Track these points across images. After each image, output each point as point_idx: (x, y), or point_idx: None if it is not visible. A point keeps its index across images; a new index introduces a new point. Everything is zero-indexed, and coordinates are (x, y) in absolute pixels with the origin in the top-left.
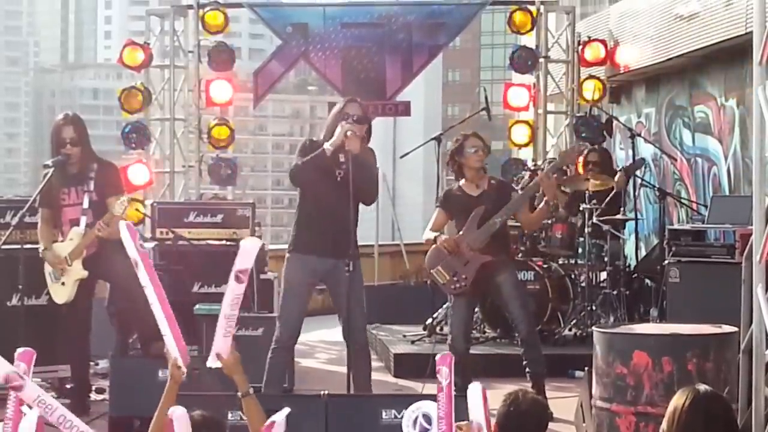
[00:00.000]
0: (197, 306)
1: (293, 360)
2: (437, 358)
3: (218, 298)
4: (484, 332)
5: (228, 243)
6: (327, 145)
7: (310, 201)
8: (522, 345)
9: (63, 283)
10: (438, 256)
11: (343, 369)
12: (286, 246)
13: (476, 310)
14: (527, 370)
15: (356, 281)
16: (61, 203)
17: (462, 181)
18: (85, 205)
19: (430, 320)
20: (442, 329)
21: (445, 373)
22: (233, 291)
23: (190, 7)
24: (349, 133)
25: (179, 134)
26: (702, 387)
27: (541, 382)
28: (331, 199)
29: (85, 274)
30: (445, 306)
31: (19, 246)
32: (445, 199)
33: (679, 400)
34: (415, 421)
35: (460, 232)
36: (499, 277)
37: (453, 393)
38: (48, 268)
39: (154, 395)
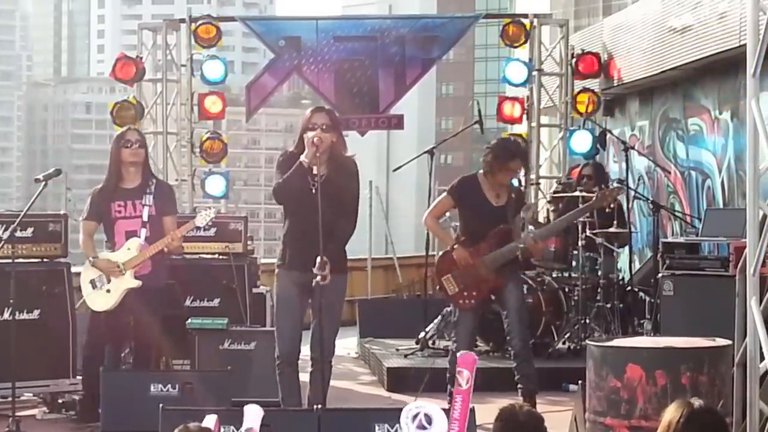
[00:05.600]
0: (190, 320)
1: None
2: (459, 355)
3: (211, 312)
4: (477, 346)
5: (221, 257)
6: (303, 158)
7: (291, 216)
8: (515, 359)
9: (108, 291)
10: (451, 264)
11: (339, 383)
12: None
13: None
14: (519, 385)
15: (337, 293)
16: (115, 216)
17: (484, 176)
18: (144, 218)
19: (422, 334)
20: (434, 343)
21: (466, 375)
22: None
23: (182, 21)
24: (315, 140)
25: (172, 148)
26: (695, 401)
27: (533, 398)
28: (311, 212)
29: (138, 283)
30: (437, 320)
31: (10, 260)
32: (458, 190)
33: (673, 413)
34: (415, 417)
35: (480, 246)
36: (506, 289)
37: (471, 393)
38: (90, 276)
39: (146, 409)
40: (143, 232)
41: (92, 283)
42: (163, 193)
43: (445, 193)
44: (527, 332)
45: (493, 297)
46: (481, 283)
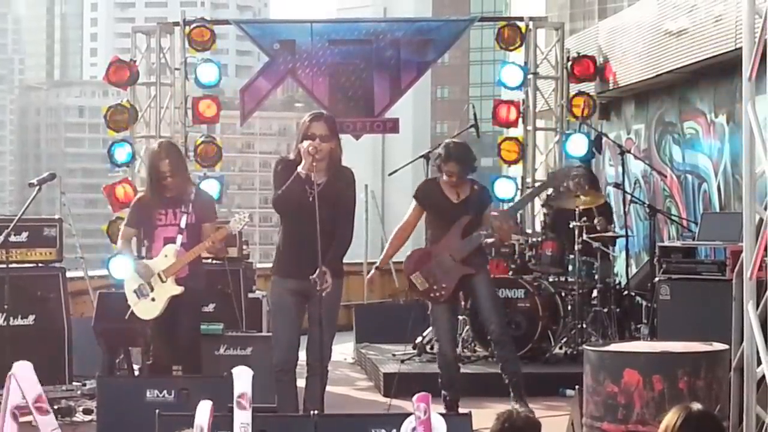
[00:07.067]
0: None
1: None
2: (415, 398)
3: (206, 317)
4: (475, 351)
5: (215, 262)
6: (300, 169)
7: (288, 222)
8: (495, 346)
9: (153, 299)
10: (417, 261)
11: (336, 389)
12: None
13: (466, 328)
14: (503, 374)
15: (333, 298)
16: (156, 223)
17: (444, 177)
18: (182, 225)
19: (419, 339)
20: (432, 348)
21: (423, 407)
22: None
23: (176, 24)
24: (311, 149)
25: None
26: (695, 405)
27: (518, 382)
28: (309, 219)
29: (179, 290)
30: None
31: (4, 265)
32: (421, 194)
33: (671, 418)
34: (414, 429)
35: (443, 240)
36: (474, 278)
37: (431, 422)
38: (132, 286)
39: (142, 415)
40: (179, 239)
41: (136, 293)
42: (203, 201)
43: (413, 200)
44: (503, 316)
45: (462, 285)
46: (449, 274)
